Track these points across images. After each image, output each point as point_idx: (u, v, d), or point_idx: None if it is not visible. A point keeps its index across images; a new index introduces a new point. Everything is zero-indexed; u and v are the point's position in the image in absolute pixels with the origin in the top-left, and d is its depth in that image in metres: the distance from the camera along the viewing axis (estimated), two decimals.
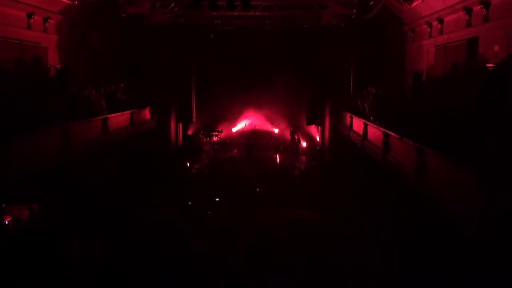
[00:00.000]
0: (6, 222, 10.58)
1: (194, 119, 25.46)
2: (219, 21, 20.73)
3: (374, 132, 15.02)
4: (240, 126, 27.39)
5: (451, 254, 8.32)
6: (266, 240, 12.21)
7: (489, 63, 11.12)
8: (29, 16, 14.68)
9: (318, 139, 25.79)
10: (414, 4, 16.10)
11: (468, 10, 13.02)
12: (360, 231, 12.52)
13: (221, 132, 26.67)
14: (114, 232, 11.24)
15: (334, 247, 11.31)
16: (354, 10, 18.29)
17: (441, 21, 15.02)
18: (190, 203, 16.11)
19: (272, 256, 11.28)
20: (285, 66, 24.31)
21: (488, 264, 6.84)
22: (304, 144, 26.30)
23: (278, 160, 24.40)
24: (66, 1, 15.89)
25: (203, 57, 23.97)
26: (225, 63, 24.42)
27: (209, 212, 15.28)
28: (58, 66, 16.09)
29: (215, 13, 18.64)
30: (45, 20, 15.67)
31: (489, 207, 6.90)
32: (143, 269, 9.59)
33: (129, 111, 18.21)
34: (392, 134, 12.71)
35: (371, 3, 17.36)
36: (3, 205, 10.25)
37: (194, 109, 25.22)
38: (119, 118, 17.02)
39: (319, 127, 25.22)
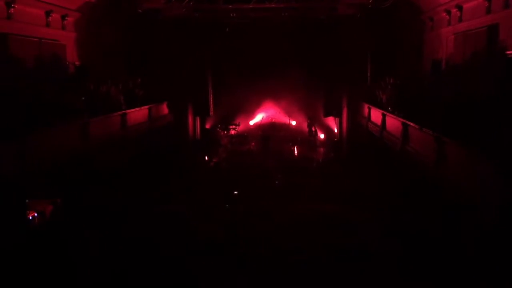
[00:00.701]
0: (31, 217, 10.79)
1: (211, 113, 25.53)
2: (234, 14, 20.68)
3: (393, 123, 14.87)
4: (257, 119, 27.38)
5: (468, 245, 8.25)
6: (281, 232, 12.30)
7: (509, 50, 10.90)
8: (48, 14, 14.88)
9: (336, 130, 25.63)
10: None
11: None
12: (378, 223, 12.49)
13: (239, 125, 26.70)
14: (126, 228, 11.45)
15: (351, 239, 11.32)
16: (370, 0, 18.06)
17: (460, 8, 14.74)
18: (206, 196, 16.20)
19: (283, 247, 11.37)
20: (302, 57, 24.14)
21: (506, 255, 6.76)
22: (321, 136, 26.19)
23: (296, 152, 24.35)
24: None
25: (219, 51, 23.97)
26: (241, 56, 24.37)
27: (227, 205, 15.38)
28: (76, 62, 16.32)
29: (230, 6, 18.61)
30: (63, 17, 15.86)
31: (507, 194, 6.80)
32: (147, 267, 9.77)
33: (147, 106, 18.37)
34: (411, 124, 12.57)
35: None
36: (27, 201, 10.45)
37: (211, 102, 25.28)
38: (137, 113, 17.19)
39: (336, 118, 25.06)
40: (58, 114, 11.16)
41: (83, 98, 13.23)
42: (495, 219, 7.15)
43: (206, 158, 23.04)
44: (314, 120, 25.97)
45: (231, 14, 20.69)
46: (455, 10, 15.05)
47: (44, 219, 11.09)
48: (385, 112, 15.89)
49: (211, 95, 25.21)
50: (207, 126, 26.29)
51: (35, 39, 14.11)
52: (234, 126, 26.51)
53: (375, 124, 17.40)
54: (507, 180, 6.89)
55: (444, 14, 15.92)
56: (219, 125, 26.39)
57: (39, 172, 9.97)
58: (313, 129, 25.80)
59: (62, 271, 8.94)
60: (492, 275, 7.10)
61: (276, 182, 18.38)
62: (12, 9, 12.91)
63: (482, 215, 7.74)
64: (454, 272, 8.56)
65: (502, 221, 6.97)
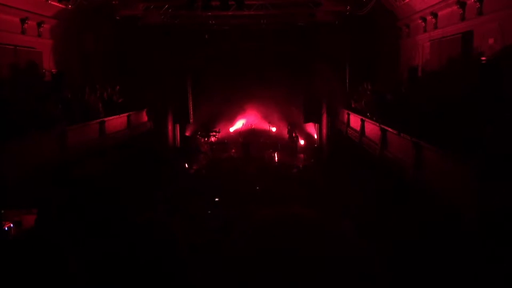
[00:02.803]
0: (6, 228, 10.55)
1: (191, 120, 25.45)
2: (213, 21, 20.72)
3: (372, 128, 15.04)
4: (237, 125, 27.40)
5: (449, 248, 8.35)
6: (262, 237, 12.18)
7: (483, 56, 11.14)
8: (23, 21, 14.61)
9: (316, 136, 25.80)
10: None
11: (462, 4, 13.03)
12: (357, 227, 12.52)
13: (219, 132, 26.67)
14: (107, 237, 11.17)
15: (329, 244, 11.27)
16: (348, 7, 18.28)
17: (435, 15, 15.03)
18: (189, 203, 16.10)
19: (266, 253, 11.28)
20: (281, 64, 24.27)
21: (486, 254, 6.87)
22: (302, 142, 26.32)
23: (276, 158, 24.41)
24: (60, 5, 15.84)
25: (198, 58, 23.95)
26: (220, 63, 24.40)
27: (209, 212, 15.30)
28: (53, 70, 16.06)
29: (209, 13, 18.62)
30: (39, 24, 15.61)
31: (485, 197, 6.93)
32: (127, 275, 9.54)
33: (126, 114, 18.20)
34: (389, 129, 12.73)
35: None
36: (2, 211, 10.22)
37: (191, 109, 25.21)
38: (116, 121, 17.01)
39: (316, 124, 25.24)
40: (34, 123, 10.97)
41: (60, 106, 13.03)
42: (473, 221, 7.28)
43: (187, 165, 22.91)
44: (294, 126, 26.11)
45: (210, 21, 20.72)
46: (430, 17, 15.34)
47: (20, 229, 10.86)
48: (364, 118, 16.07)
49: (191, 102, 25.15)
50: (187, 133, 26.19)
51: (10, 47, 13.85)
52: (214, 133, 26.48)
53: (355, 130, 17.58)
54: (484, 182, 7.03)
55: (420, 21, 16.20)
56: (199, 132, 26.31)
57: (15, 181, 9.76)
58: (294, 135, 25.93)
59: (37, 281, 8.70)
60: (472, 277, 7.19)
61: (257, 188, 18.38)
62: None
63: (460, 217, 7.86)
64: (432, 275, 8.65)
65: (480, 223, 7.09)
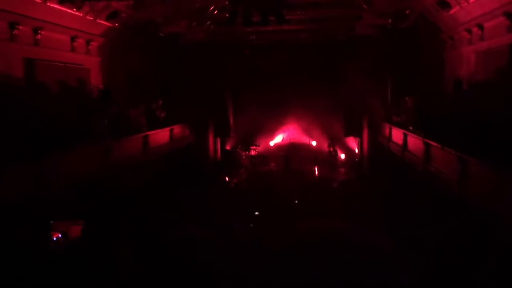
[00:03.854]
0: (55, 239, 10.93)
1: (231, 134, 25.70)
2: (254, 37, 20.97)
3: (414, 142, 14.72)
4: (277, 139, 27.43)
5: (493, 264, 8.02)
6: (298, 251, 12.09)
7: None
8: (73, 39, 15.30)
9: (356, 150, 25.47)
10: (452, 11, 15.76)
11: (509, 15, 12.64)
12: (398, 242, 12.21)
13: (259, 146, 26.78)
14: (144, 250, 11.35)
15: (363, 257, 11.04)
16: (390, 20, 18.08)
17: (481, 27, 14.64)
18: (228, 218, 16.16)
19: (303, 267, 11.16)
20: (321, 78, 24.19)
21: None
22: (342, 156, 26.03)
23: (316, 172, 24.22)
24: (108, 23, 16.48)
25: (238, 73, 24.25)
26: (260, 78, 24.58)
27: (251, 225, 15.30)
28: (100, 86, 16.67)
29: (249, 29, 18.87)
30: (88, 42, 16.28)
31: None
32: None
33: (168, 128, 18.60)
34: (433, 143, 12.43)
35: (407, 12, 17.12)
36: (51, 222, 10.60)
37: (231, 123, 25.48)
38: (159, 135, 17.41)
39: (357, 138, 24.93)
40: (82, 138, 11.39)
41: (106, 121, 13.48)
42: None
43: (227, 178, 23.08)
44: (334, 140, 25.88)
45: (251, 37, 20.98)
46: (476, 29, 14.96)
47: (67, 240, 11.22)
48: (406, 132, 15.76)
49: (231, 116, 25.43)
50: (228, 147, 26.44)
51: (61, 64, 14.50)
52: (254, 147, 26.61)
53: (396, 144, 17.25)
54: None
55: (465, 33, 15.82)
56: (239, 146, 26.51)
57: (62, 194, 10.13)
58: (332, 149, 25.70)
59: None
60: None
61: (296, 202, 18.27)
62: (39, 35, 13.34)
63: (507, 234, 7.57)
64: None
65: None
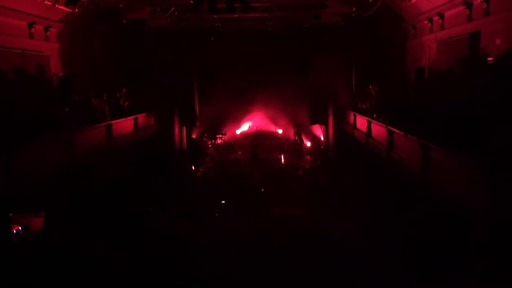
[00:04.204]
0: (15, 231, 10.59)
1: (197, 122, 25.50)
2: (219, 24, 20.75)
3: (378, 130, 14.99)
4: (243, 127, 27.43)
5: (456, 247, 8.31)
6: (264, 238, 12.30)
7: (490, 56, 11.08)
8: (30, 25, 14.73)
9: (322, 138, 25.77)
10: (414, 0, 16.06)
11: (469, 4, 12.97)
12: (363, 229, 12.52)
13: (225, 134, 26.72)
14: (117, 240, 11.26)
15: (335, 245, 11.30)
16: (354, 8, 18.26)
17: (441, 16, 14.97)
18: (195, 207, 16.12)
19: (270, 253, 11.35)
20: (286, 66, 24.30)
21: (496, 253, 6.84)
22: (308, 143, 26.29)
23: (283, 160, 24.40)
24: (67, 9, 15.94)
25: (204, 60, 24.01)
26: (227, 66, 24.46)
27: (216, 215, 15.31)
28: (60, 74, 16.16)
29: (215, 16, 18.66)
30: (46, 28, 15.71)
31: (494, 196, 6.90)
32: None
33: (133, 117, 18.25)
34: (396, 131, 12.69)
35: (370, 0, 17.31)
36: (11, 214, 10.27)
37: (197, 112, 25.26)
38: (122, 124, 17.05)
39: (322, 126, 25.21)
40: (42, 126, 11.02)
41: (67, 110, 13.09)
42: (482, 221, 7.24)
43: (193, 167, 22.95)
44: (300, 128, 26.09)
45: (216, 24, 20.76)
46: (437, 18, 15.28)
47: (28, 233, 10.90)
48: (370, 119, 16.02)
49: (197, 105, 25.20)
50: (194, 135, 26.25)
51: (18, 51, 13.95)
52: (220, 136, 26.53)
53: (361, 132, 17.53)
54: (492, 182, 7.00)
55: (426, 22, 16.14)
56: (205, 135, 26.37)
57: (23, 185, 9.81)
58: (297, 137, 25.93)
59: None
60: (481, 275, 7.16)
61: (262, 190, 18.40)
62: None
63: (469, 218, 7.82)
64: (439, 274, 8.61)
65: (489, 225, 7.05)
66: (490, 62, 10.58)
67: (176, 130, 24.19)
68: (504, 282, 6.52)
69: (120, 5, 17.75)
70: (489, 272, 7.02)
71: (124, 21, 19.04)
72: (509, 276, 6.69)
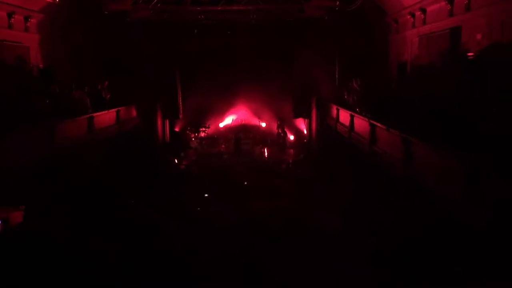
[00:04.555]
0: None
1: (180, 115, 25.32)
2: (202, 16, 20.56)
3: (361, 124, 15.10)
4: (227, 121, 27.36)
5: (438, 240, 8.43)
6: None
7: (471, 52, 11.24)
8: (10, 15, 14.43)
9: (305, 131, 25.85)
10: None
11: (450, 0, 13.12)
12: (346, 222, 12.61)
13: (209, 127, 26.62)
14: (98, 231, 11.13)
15: (317, 237, 11.37)
16: (338, 2, 18.27)
17: (423, 11, 15.11)
18: (178, 199, 16.05)
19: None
20: (270, 59, 24.23)
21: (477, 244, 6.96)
22: (291, 137, 26.36)
23: (266, 154, 24.42)
24: None
25: (187, 53, 23.80)
26: (210, 58, 24.29)
27: (198, 208, 15.27)
28: (40, 65, 15.89)
29: (198, 8, 18.50)
30: (26, 19, 15.42)
31: (474, 190, 7.02)
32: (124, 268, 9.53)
33: (115, 109, 18.06)
34: (379, 125, 12.79)
35: None
36: None
37: (181, 105, 25.08)
38: (104, 117, 16.88)
39: (306, 119, 25.28)
40: (21, 118, 10.84)
41: (47, 102, 12.90)
42: (462, 216, 7.36)
43: (176, 161, 22.83)
44: (283, 122, 26.15)
45: (199, 16, 20.56)
46: (419, 12, 15.42)
47: (7, 226, 10.74)
48: (353, 113, 16.12)
49: (180, 98, 25.01)
50: (177, 129, 26.08)
51: None
52: (204, 129, 26.42)
53: (344, 125, 17.64)
54: (472, 176, 7.11)
55: (409, 16, 16.28)
56: (188, 128, 26.23)
57: (2, 178, 9.65)
58: (281, 130, 25.99)
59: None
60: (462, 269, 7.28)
61: (245, 183, 18.41)
62: None
63: (448, 208, 7.95)
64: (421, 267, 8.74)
65: (469, 218, 7.17)
66: (471, 58, 10.73)
67: (159, 123, 23.97)
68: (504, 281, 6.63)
69: None
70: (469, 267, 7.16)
71: (105, 12, 18.73)
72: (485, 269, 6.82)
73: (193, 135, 26.10)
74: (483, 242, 6.92)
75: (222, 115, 27.09)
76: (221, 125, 27.36)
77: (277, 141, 25.93)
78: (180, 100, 25.02)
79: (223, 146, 25.79)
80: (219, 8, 18.19)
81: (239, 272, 10.02)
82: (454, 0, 12.93)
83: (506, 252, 6.41)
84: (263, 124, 27.08)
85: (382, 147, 12.65)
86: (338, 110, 18.94)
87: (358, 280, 9.04)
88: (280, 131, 26.05)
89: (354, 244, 10.96)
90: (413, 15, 15.99)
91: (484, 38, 11.26)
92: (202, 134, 26.37)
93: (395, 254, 9.52)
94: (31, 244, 9.57)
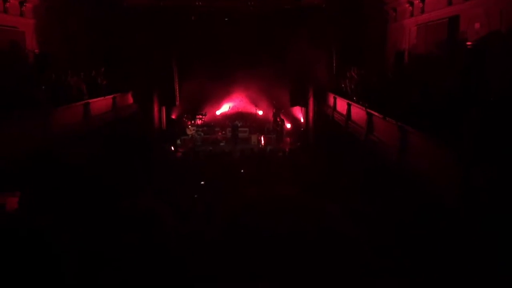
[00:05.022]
0: None
1: (177, 103, 25.22)
2: (200, 3, 20.44)
3: (358, 112, 15.10)
4: (224, 108, 27.31)
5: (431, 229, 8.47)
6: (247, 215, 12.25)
7: (469, 41, 11.21)
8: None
9: (302, 120, 25.84)
10: None
11: None
12: (342, 209, 12.61)
13: (205, 115, 26.58)
14: (92, 221, 11.05)
15: (314, 221, 11.35)
16: None
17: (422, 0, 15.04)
18: (175, 187, 16.05)
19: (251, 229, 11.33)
20: (268, 47, 24.11)
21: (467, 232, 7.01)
22: (288, 125, 26.36)
23: (263, 142, 24.44)
24: None
25: (184, 40, 23.64)
26: (207, 46, 24.14)
27: (196, 196, 15.27)
28: (36, 51, 15.77)
29: None
30: (22, 3, 15.27)
31: (467, 180, 7.05)
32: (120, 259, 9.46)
33: (111, 96, 17.96)
34: (375, 113, 12.79)
35: None
36: None
37: (177, 92, 24.97)
38: (100, 103, 16.78)
39: (303, 108, 25.25)
40: (17, 104, 10.78)
41: (43, 87, 12.82)
42: (455, 206, 7.39)
43: (173, 148, 22.81)
44: (280, 110, 26.13)
45: (197, 3, 20.44)
46: (417, 1, 15.34)
47: (3, 212, 10.74)
48: (350, 102, 16.10)
49: (177, 85, 24.88)
50: (173, 116, 26.02)
51: None
52: (200, 116, 26.38)
53: (341, 114, 17.63)
54: (466, 165, 7.14)
55: (407, 5, 16.20)
56: (185, 115, 26.17)
57: None
58: (278, 119, 25.96)
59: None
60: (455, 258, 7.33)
61: (242, 171, 18.40)
62: None
63: (442, 197, 7.99)
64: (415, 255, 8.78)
65: (462, 208, 7.21)
66: (469, 47, 10.71)
67: (155, 110, 23.89)
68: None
69: None
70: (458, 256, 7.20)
71: None
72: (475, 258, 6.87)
73: (189, 123, 26.05)
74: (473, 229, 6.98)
75: (219, 102, 27.04)
76: (218, 112, 27.31)
77: (274, 129, 25.92)
78: (177, 87, 24.88)
79: (219, 133, 25.77)
80: None
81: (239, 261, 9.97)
82: None
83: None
84: (260, 112, 27.05)
85: (379, 136, 12.66)
86: (335, 98, 18.91)
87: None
88: (278, 119, 26.01)
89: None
90: (411, 3, 15.91)
91: (483, 27, 11.23)
92: (199, 122, 26.33)
93: (391, 242, 9.54)
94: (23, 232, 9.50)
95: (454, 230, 7.72)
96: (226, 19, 22.22)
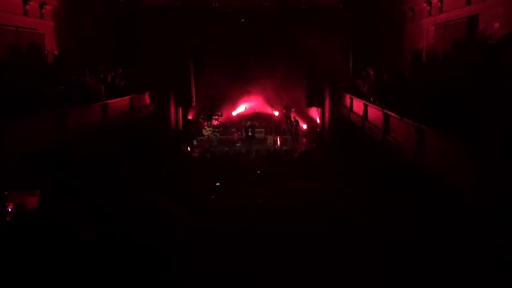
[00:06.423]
0: (10, 209, 10.63)
1: (193, 103, 25.37)
2: (216, 3, 20.52)
3: (374, 113, 14.99)
4: (240, 109, 27.37)
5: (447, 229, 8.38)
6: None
7: (489, 40, 11.04)
8: (25, 2, 14.54)
9: (318, 120, 25.75)
10: None
11: None
12: (358, 210, 12.53)
13: (221, 115, 26.65)
14: (107, 220, 11.12)
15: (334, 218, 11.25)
16: None
17: None
18: (190, 187, 16.12)
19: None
20: (284, 47, 24.11)
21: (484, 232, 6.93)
22: (304, 126, 26.29)
23: (278, 142, 24.43)
24: None
25: (201, 40, 23.76)
26: (223, 46, 24.24)
27: (212, 196, 15.32)
28: (55, 52, 16.02)
29: None
30: (41, 6, 15.53)
31: (483, 180, 6.98)
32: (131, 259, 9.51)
33: (128, 97, 18.14)
34: (392, 114, 12.69)
35: None
36: (6, 192, 10.28)
37: (194, 93, 25.11)
38: (118, 104, 16.96)
39: (319, 108, 25.16)
40: (36, 105, 10.96)
41: (62, 88, 13.01)
42: (472, 205, 7.31)
43: (189, 148, 22.95)
44: (290, 109, 26.14)
45: (213, 3, 20.52)
46: (435, 0, 15.17)
47: (23, 211, 10.93)
48: (366, 103, 16.00)
49: (193, 85, 25.03)
50: (190, 116, 26.17)
51: (12, 28, 13.79)
52: (217, 117, 26.46)
53: (357, 115, 17.52)
54: (482, 164, 7.06)
55: (425, 4, 16.03)
56: (201, 116, 26.29)
57: (17, 162, 9.80)
58: (293, 119, 25.94)
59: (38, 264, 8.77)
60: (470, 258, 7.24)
61: (258, 172, 18.40)
62: None
63: (460, 197, 7.90)
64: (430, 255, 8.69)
65: (478, 207, 7.12)
66: (488, 47, 10.54)
67: (172, 110, 24.06)
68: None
69: None
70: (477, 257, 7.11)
71: None
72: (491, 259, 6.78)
73: (206, 123, 26.17)
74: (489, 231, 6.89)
75: (235, 103, 27.11)
76: (234, 113, 27.38)
77: (289, 130, 25.89)
78: (193, 88, 25.04)
79: (236, 134, 25.83)
80: None
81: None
82: None
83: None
84: (276, 113, 27.04)
85: (395, 136, 12.56)
86: (351, 99, 18.80)
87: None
88: (293, 120, 25.96)
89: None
90: (429, 3, 15.74)
91: (502, 27, 11.06)
92: (215, 122, 26.42)
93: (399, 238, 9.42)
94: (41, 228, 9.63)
95: (470, 228, 7.63)
96: (242, 19, 22.23)
